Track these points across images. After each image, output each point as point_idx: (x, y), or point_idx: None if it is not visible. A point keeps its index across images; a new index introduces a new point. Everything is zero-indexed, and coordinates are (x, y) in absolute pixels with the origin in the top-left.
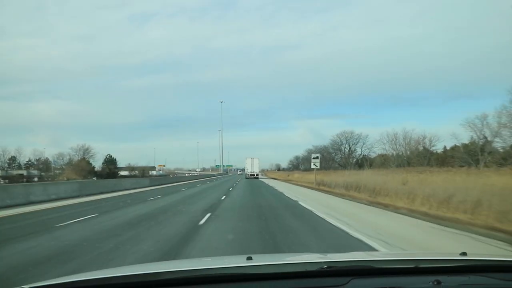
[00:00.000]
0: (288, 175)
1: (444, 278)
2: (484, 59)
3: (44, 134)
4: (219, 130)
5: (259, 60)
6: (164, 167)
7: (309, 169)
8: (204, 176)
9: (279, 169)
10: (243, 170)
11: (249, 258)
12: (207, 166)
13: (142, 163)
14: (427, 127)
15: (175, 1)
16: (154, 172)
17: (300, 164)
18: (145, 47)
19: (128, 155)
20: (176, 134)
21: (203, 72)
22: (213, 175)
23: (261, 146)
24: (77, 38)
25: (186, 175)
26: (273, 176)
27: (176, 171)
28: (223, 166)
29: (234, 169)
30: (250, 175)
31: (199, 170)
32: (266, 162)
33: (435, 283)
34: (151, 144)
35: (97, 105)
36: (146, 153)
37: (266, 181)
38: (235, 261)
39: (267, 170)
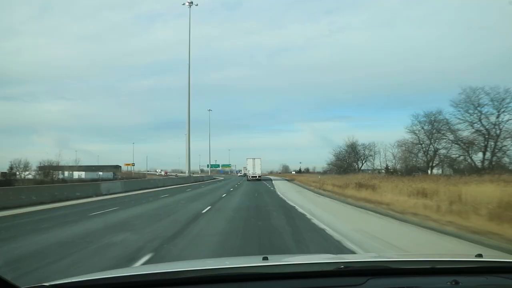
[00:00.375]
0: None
1: (461, 279)
2: (493, 61)
3: (48, 135)
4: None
5: (265, 61)
6: (133, 167)
7: (349, 172)
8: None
9: (299, 171)
10: (241, 171)
11: (265, 258)
12: (206, 168)
13: (143, 165)
14: None
15: (182, 2)
16: (101, 174)
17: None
18: (151, 48)
19: (129, 157)
20: (181, 136)
21: (208, 73)
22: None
23: (266, 148)
24: (83, 38)
25: (154, 177)
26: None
27: (146, 173)
28: (215, 166)
29: (235, 171)
30: (252, 177)
31: (186, 172)
32: (273, 164)
33: (453, 283)
34: (155, 145)
35: (102, 106)
36: (149, 155)
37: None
38: (252, 261)
39: (278, 172)
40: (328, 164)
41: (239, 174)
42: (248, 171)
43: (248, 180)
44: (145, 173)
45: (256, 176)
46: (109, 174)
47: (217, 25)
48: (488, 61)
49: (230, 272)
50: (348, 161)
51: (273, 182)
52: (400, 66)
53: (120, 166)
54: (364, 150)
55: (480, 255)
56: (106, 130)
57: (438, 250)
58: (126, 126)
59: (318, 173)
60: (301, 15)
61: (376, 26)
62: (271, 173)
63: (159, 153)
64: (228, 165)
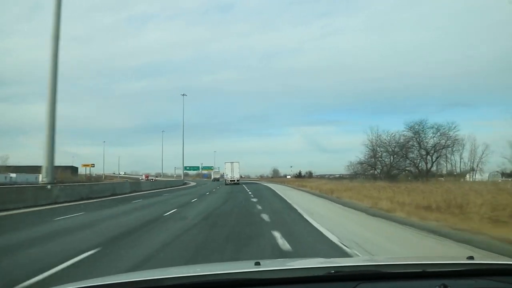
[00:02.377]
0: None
1: (450, 282)
2: (484, 67)
3: (37, 137)
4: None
5: (257, 64)
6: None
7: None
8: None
9: (299, 175)
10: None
11: (257, 264)
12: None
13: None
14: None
15: (174, 3)
16: (13, 176)
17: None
18: (142, 50)
19: (122, 160)
20: (171, 139)
21: (199, 76)
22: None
23: (256, 152)
24: (73, 39)
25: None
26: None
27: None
28: (195, 168)
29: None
30: (230, 181)
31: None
32: (263, 168)
33: (442, 287)
34: (145, 148)
35: (91, 108)
36: (140, 159)
37: None
38: (243, 267)
39: (269, 177)
40: (350, 166)
41: (213, 178)
42: (227, 175)
43: (226, 184)
44: (99, 177)
45: (234, 180)
46: (30, 177)
47: (209, 27)
48: (479, 66)
49: (221, 278)
50: (396, 161)
51: (285, 197)
52: (391, 71)
53: (77, 168)
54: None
55: (471, 258)
56: (95, 132)
57: None
58: (115, 129)
59: (327, 178)
60: (293, 18)
61: (367, 30)
62: (261, 177)
63: (148, 156)
64: (211, 168)
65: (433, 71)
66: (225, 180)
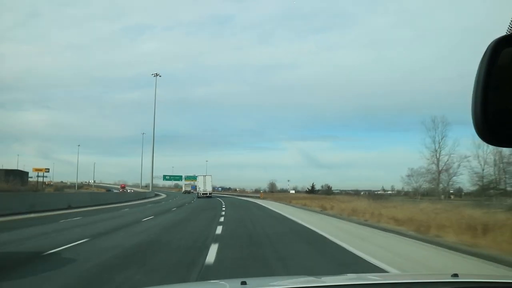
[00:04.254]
0: None
1: None
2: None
3: (31, 144)
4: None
5: (252, 78)
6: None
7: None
8: None
9: (311, 190)
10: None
11: (243, 283)
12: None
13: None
14: (416, 152)
15: (171, 15)
16: None
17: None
18: (138, 60)
19: (116, 170)
20: (162, 150)
21: (195, 88)
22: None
23: (251, 166)
24: (69, 47)
25: None
26: None
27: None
28: (177, 178)
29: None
30: (202, 194)
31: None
32: (260, 182)
33: None
34: (137, 159)
35: (87, 117)
36: (132, 169)
37: None
38: (230, 286)
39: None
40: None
41: (184, 191)
42: (199, 188)
43: (198, 197)
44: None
45: (206, 193)
46: None
47: (205, 40)
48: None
49: None
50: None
51: None
52: (387, 87)
53: (27, 173)
54: None
55: (456, 275)
56: (90, 142)
57: None
58: (109, 138)
59: (352, 195)
60: (289, 32)
61: (363, 46)
62: (256, 191)
63: (138, 166)
64: (194, 177)
65: (430, 89)
66: (198, 193)
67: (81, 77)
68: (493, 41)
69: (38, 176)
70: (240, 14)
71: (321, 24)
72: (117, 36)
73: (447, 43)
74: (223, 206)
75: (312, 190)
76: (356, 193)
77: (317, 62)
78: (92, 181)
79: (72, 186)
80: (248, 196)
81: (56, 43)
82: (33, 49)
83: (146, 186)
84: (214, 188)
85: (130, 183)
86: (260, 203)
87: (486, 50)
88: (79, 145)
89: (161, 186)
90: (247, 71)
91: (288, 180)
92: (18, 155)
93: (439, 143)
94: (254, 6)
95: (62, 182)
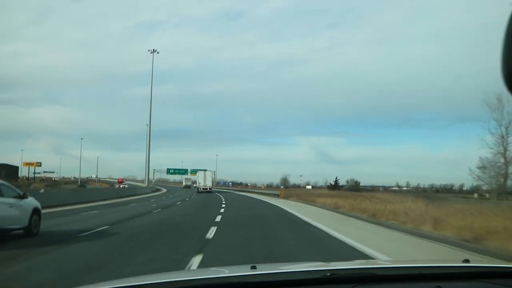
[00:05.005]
0: None
1: (445, 284)
2: (495, 82)
3: (44, 140)
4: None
5: (264, 74)
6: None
7: None
8: None
9: (334, 186)
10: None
11: (253, 267)
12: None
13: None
14: (430, 149)
15: (182, 11)
16: None
17: None
18: (150, 56)
19: (127, 165)
20: (176, 146)
21: (206, 84)
22: None
23: (263, 161)
24: (81, 44)
25: None
26: None
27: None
28: (182, 171)
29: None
30: (203, 189)
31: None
32: (272, 177)
33: None
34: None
35: (98, 114)
36: (138, 163)
37: None
38: (240, 270)
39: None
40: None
41: (184, 186)
42: (199, 183)
43: (198, 192)
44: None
45: (206, 188)
46: None
47: (217, 35)
48: (490, 81)
49: (217, 282)
50: None
51: None
52: (400, 84)
53: (17, 167)
54: None
55: (467, 261)
56: (101, 137)
57: None
58: (121, 134)
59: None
60: (301, 28)
61: (377, 42)
62: (269, 187)
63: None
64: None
65: (442, 86)
66: (198, 188)
67: (93, 73)
68: None
69: (35, 173)
70: (252, 10)
71: (334, 19)
72: (129, 32)
73: (462, 40)
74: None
75: (335, 186)
76: (386, 189)
77: (330, 58)
78: (95, 176)
79: (76, 181)
80: (262, 193)
81: (68, 40)
82: (46, 47)
83: (152, 181)
84: (225, 183)
85: (139, 177)
86: (284, 208)
87: None
88: (81, 139)
89: (170, 180)
90: (258, 67)
91: (301, 175)
92: (22, 150)
93: (506, 128)
94: (265, 2)
95: (63, 177)
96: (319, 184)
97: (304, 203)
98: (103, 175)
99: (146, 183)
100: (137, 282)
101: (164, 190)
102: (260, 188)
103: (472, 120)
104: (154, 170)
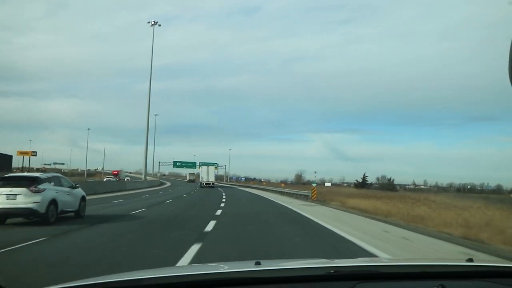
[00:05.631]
0: None
1: (448, 283)
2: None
3: (59, 132)
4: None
5: (278, 69)
6: None
7: None
8: None
9: (361, 184)
10: (192, 176)
11: (258, 263)
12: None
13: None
14: (443, 147)
15: (197, 5)
16: None
17: None
18: (164, 50)
19: (140, 159)
20: (189, 141)
21: (220, 79)
22: None
23: (276, 157)
24: (96, 37)
25: None
26: None
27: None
28: (190, 165)
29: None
30: (206, 183)
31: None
32: (286, 173)
33: (440, 287)
34: (163, 149)
35: (113, 106)
36: (156, 158)
37: None
38: (244, 266)
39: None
40: None
41: (188, 180)
42: (202, 178)
43: (201, 187)
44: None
45: (209, 183)
46: None
47: (231, 30)
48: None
49: (222, 277)
50: None
51: None
52: (415, 81)
53: (11, 156)
54: None
55: (471, 260)
56: (115, 130)
57: None
58: (134, 128)
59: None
60: (316, 24)
61: (391, 38)
62: (284, 184)
63: (161, 156)
64: (212, 164)
65: (457, 84)
66: (201, 183)
67: (109, 67)
68: None
69: (45, 164)
70: (266, 5)
71: (349, 15)
72: (143, 26)
73: (477, 37)
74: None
75: (363, 184)
76: (430, 188)
77: (344, 54)
78: (101, 168)
79: (83, 173)
80: (281, 193)
81: (83, 33)
82: (62, 39)
83: (158, 175)
84: (237, 179)
85: (150, 171)
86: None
87: None
88: (88, 129)
89: (183, 174)
90: (272, 62)
91: (315, 172)
92: (30, 140)
93: None
94: None
95: (72, 169)
96: (334, 181)
97: (362, 215)
98: (114, 167)
99: (144, 177)
100: (142, 276)
101: (168, 184)
102: (275, 184)
103: (486, 119)
104: (159, 162)
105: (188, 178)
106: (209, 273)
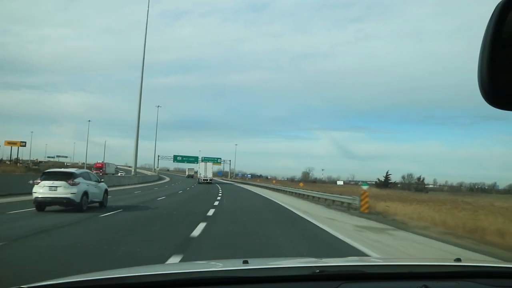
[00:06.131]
0: None
1: (432, 284)
2: None
3: (66, 126)
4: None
5: (287, 66)
6: None
7: None
8: None
9: (385, 183)
10: (191, 172)
11: (245, 262)
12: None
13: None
14: (451, 146)
15: (208, 0)
16: None
17: None
18: (174, 45)
19: (149, 154)
20: (196, 136)
21: (229, 75)
22: None
23: (283, 154)
24: (107, 31)
25: None
26: None
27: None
28: (191, 159)
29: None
30: (203, 179)
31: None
32: (293, 171)
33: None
34: (170, 144)
35: (123, 101)
36: (165, 153)
37: None
38: (231, 265)
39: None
40: None
41: (187, 175)
42: (200, 174)
43: (199, 183)
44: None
45: (207, 179)
46: None
47: (242, 26)
48: None
49: (209, 276)
50: None
51: None
52: (424, 80)
53: None
54: None
55: (459, 260)
56: (123, 125)
57: None
58: (143, 123)
59: None
60: (326, 21)
61: (403, 36)
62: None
63: (166, 150)
64: (216, 160)
65: (467, 82)
66: (199, 178)
67: (118, 61)
68: (501, 1)
69: (48, 157)
70: (277, 2)
71: (360, 13)
72: (154, 21)
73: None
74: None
75: (385, 183)
76: (441, 188)
77: (354, 52)
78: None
79: (83, 167)
80: (295, 194)
81: (94, 27)
82: (72, 33)
83: (157, 170)
84: (243, 175)
85: (171, 168)
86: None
87: (495, 10)
88: (89, 121)
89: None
90: (282, 59)
91: (323, 170)
92: (31, 132)
93: None
94: None
95: (74, 163)
96: (342, 179)
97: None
98: (120, 162)
99: (133, 171)
100: (129, 274)
101: (167, 179)
102: (287, 183)
103: (496, 118)
104: (158, 156)
105: (187, 173)
106: (196, 272)
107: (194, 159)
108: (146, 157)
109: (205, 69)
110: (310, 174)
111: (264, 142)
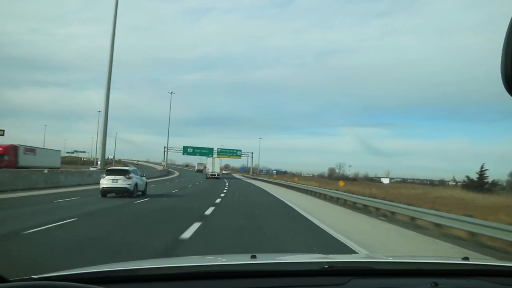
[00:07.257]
0: None
1: (441, 281)
2: None
3: (93, 122)
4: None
5: (312, 62)
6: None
7: None
8: None
9: (480, 184)
10: (201, 166)
11: (253, 257)
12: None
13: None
14: (478, 143)
15: None
16: None
17: None
18: (199, 42)
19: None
20: (220, 132)
21: (253, 71)
22: None
23: (308, 151)
24: (133, 28)
25: None
26: None
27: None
28: (205, 152)
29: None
30: (211, 175)
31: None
32: (317, 167)
33: (433, 285)
34: (194, 140)
35: (149, 98)
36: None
37: None
38: (240, 259)
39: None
40: None
41: (196, 169)
42: (208, 169)
43: (207, 178)
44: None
45: (215, 175)
46: None
47: (266, 22)
48: None
49: (218, 269)
50: None
51: None
52: (451, 75)
53: None
54: None
55: (466, 258)
56: (149, 121)
57: None
58: (165, 118)
59: None
60: (351, 16)
61: (429, 31)
62: (322, 177)
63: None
64: (236, 153)
65: (494, 77)
66: (207, 174)
67: (144, 58)
68: None
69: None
70: None
71: (385, 8)
72: (179, 18)
73: None
74: None
75: (481, 184)
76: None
77: (380, 48)
78: (112, 157)
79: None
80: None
81: (119, 24)
82: (98, 31)
83: (164, 164)
84: (268, 171)
85: (178, 162)
86: None
87: None
88: (99, 111)
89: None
90: (306, 55)
91: (350, 166)
92: (45, 125)
93: None
94: None
95: (90, 158)
96: (370, 176)
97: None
98: (142, 158)
99: (100, 165)
100: (138, 266)
101: (176, 173)
102: (304, 178)
103: None
104: (165, 147)
105: (196, 168)
106: (205, 265)
107: (209, 152)
108: (175, 154)
109: (229, 66)
110: (339, 171)
111: (288, 138)
